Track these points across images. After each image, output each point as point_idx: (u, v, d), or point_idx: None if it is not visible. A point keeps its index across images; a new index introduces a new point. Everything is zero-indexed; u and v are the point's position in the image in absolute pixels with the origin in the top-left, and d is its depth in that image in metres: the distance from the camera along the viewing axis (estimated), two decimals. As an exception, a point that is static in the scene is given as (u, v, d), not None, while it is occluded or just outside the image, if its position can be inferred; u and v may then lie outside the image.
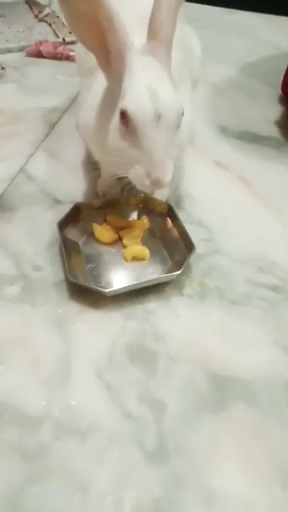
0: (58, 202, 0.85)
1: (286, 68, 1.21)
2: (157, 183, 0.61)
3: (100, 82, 0.69)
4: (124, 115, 0.61)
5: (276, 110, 1.18)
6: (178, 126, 0.63)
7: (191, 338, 0.65)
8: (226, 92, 1.25)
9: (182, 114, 0.63)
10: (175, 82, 0.67)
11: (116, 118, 0.63)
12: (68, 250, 0.72)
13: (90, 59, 0.75)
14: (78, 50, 0.92)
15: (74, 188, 0.87)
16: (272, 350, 0.64)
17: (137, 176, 0.62)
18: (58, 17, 1.53)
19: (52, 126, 1.05)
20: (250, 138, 1.07)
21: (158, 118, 0.60)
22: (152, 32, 0.63)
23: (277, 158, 1.01)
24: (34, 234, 0.78)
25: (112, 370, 0.61)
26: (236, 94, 1.24)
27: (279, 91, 1.24)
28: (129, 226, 0.78)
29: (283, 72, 1.22)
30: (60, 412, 0.56)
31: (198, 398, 0.58)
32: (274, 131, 1.10)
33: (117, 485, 0.51)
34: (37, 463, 0.52)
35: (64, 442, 0.54)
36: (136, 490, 0.50)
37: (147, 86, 0.61)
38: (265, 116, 1.15)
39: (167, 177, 0.61)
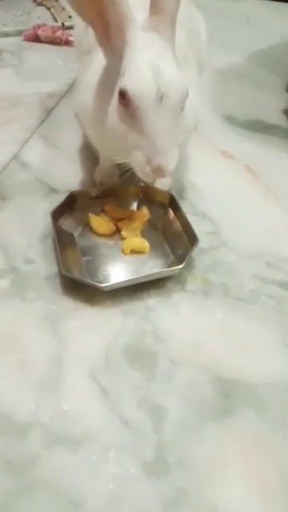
0: (52, 190, 0.80)
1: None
2: (159, 172, 0.56)
3: (99, 60, 0.64)
4: (124, 95, 0.56)
5: (283, 99, 1.13)
6: (183, 108, 0.58)
7: (194, 338, 0.60)
8: (232, 80, 1.20)
9: (187, 95, 0.58)
10: (179, 63, 0.62)
11: (115, 99, 0.58)
12: (62, 241, 0.67)
13: (89, 37, 0.70)
14: (77, 28, 0.87)
15: (70, 176, 0.82)
16: (281, 352, 0.59)
17: (137, 163, 0.57)
18: (57, 1, 1.47)
19: (49, 112, 1.00)
20: (257, 127, 1.02)
21: (161, 98, 0.55)
22: (155, 6, 0.58)
23: (285, 147, 0.96)
24: (27, 225, 0.73)
25: (108, 372, 0.56)
26: (242, 83, 1.19)
27: (286, 79, 1.20)
28: (128, 217, 0.73)
29: (291, 60, 1.17)
30: (50, 418, 0.51)
31: (202, 404, 0.54)
32: (281, 120, 1.05)
33: (112, 500, 0.46)
34: (23, 475, 0.47)
35: (54, 451, 0.49)
36: (133, 506, 0.46)
37: (150, 63, 0.56)
38: (272, 105, 1.10)
39: (170, 165, 0.56)
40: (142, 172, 0.57)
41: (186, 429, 0.51)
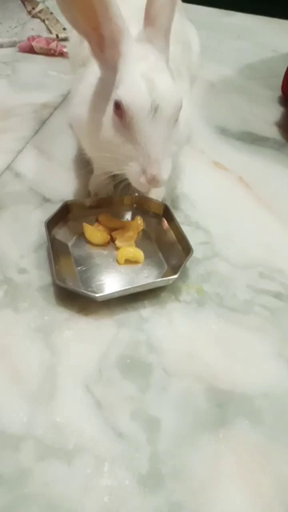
0: (46, 200, 0.80)
1: (285, 69, 1.17)
2: (153, 181, 0.56)
3: (93, 72, 0.64)
4: (118, 106, 0.56)
5: (276, 111, 1.14)
6: (177, 119, 0.59)
7: (188, 348, 0.60)
8: (224, 93, 1.21)
9: (181, 107, 0.58)
10: (173, 74, 0.63)
11: (110, 110, 0.58)
12: (56, 251, 0.67)
13: (84, 49, 0.70)
14: (72, 41, 0.88)
15: (64, 186, 0.82)
16: (276, 363, 0.59)
17: (131, 173, 0.58)
18: (51, 13, 1.48)
19: (43, 123, 1.00)
20: (250, 138, 1.03)
21: (155, 110, 0.55)
22: (149, 18, 0.58)
23: (278, 159, 0.97)
24: (20, 235, 0.73)
25: (102, 383, 0.55)
26: (235, 95, 1.21)
27: (278, 93, 1.21)
28: (122, 227, 0.73)
29: (282, 73, 1.19)
30: (43, 430, 0.50)
31: (196, 415, 0.53)
32: (274, 132, 1.06)
33: (105, 514, 0.45)
34: (15, 489, 0.46)
35: (47, 464, 0.48)
36: (127, 520, 0.45)
37: (144, 75, 0.56)
38: (265, 117, 1.11)
39: (164, 174, 0.57)
40: (137, 182, 0.58)
41: (181, 440, 0.51)
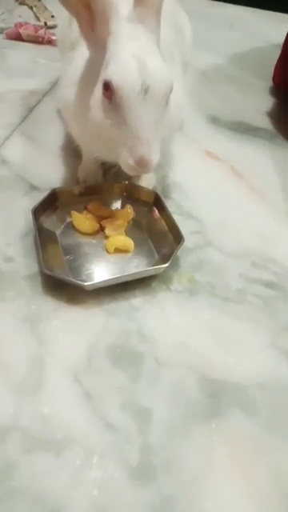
0: (34, 188, 0.78)
1: (277, 60, 1.16)
2: (142, 163, 0.54)
3: (81, 55, 0.62)
4: (108, 87, 0.54)
5: (268, 101, 1.13)
6: (167, 102, 0.57)
7: (180, 338, 0.58)
8: (216, 82, 1.20)
9: (172, 89, 0.57)
10: (164, 56, 0.61)
11: (99, 91, 0.57)
12: (44, 240, 0.65)
13: (73, 32, 0.68)
14: (60, 25, 0.86)
15: (52, 174, 0.80)
16: (269, 352, 0.58)
17: (120, 155, 0.56)
18: (39, 0, 1.45)
19: (30, 110, 0.98)
20: (241, 128, 1.01)
21: (146, 91, 0.53)
22: None
23: (269, 149, 0.96)
24: (7, 223, 0.71)
25: (91, 374, 0.53)
26: (227, 85, 1.19)
27: (270, 83, 1.20)
28: (112, 215, 0.71)
29: (273, 64, 1.18)
30: (30, 422, 0.49)
31: (188, 405, 0.52)
32: (266, 122, 1.05)
33: (95, 507, 0.43)
34: (1, 482, 0.44)
35: (34, 456, 0.46)
36: (117, 514, 0.43)
37: (135, 55, 0.54)
38: (256, 107, 1.10)
39: (153, 157, 0.55)
40: (126, 165, 0.56)
41: (173, 431, 0.49)
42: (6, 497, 0.43)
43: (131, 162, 0.54)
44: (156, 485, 0.45)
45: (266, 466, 0.47)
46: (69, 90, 0.63)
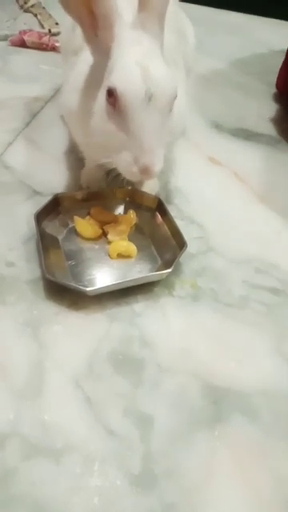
0: (36, 193, 0.77)
1: (280, 66, 1.16)
2: (145, 171, 0.54)
3: (85, 60, 0.62)
4: (111, 94, 0.54)
5: (271, 108, 1.13)
6: (171, 109, 0.57)
7: (182, 344, 0.58)
8: (219, 88, 1.20)
9: (176, 96, 0.57)
10: (168, 62, 0.61)
11: (102, 97, 0.56)
12: (46, 245, 0.65)
13: (76, 37, 0.68)
14: (64, 31, 0.86)
15: (54, 179, 0.80)
16: (273, 359, 0.57)
17: (124, 163, 0.56)
18: (43, 8, 1.46)
19: (34, 115, 0.98)
20: (244, 134, 1.01)
21: (150, 98, 0.53)
22: (143, 2, 0.56)
23: (273, 155, 0.96)
24: (9, 228, 0.71)
25: (93, 380, 0.53)
26: (230, 91, 1.19)
27: (273, 89, 1.20)
28: (114, 221, 0.71)
29: (277, 70, 1.18)
30: (30, 428, 0.48)
31: (191, 412, 0.51)
32: (269, 128, 1.05)
33: (95, 516, 0.43)
34: (0, 489, 0.44)
35: (34, 463, 0.46)
36: (118, 522, 0.43)
37: (138, 62, 0.54)
38: (260, 113, 1.10)
39: (157, 165, 0.55)
40: (129, 172, 0.56)
41: (175, 439, 0.49)
42: (5, 504, 0.43)
43: (135, 170, 0.54)
44: (158, 492, 0.45)
45: (268, 472, 0.47)
46: (72, 96, 0.63)
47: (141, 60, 0.55)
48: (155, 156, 0.54)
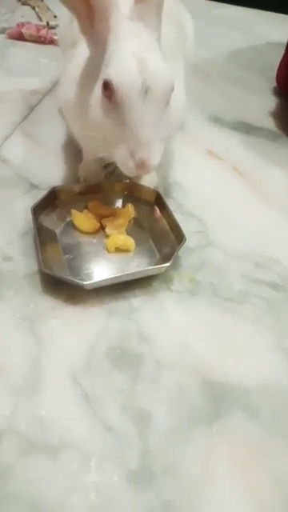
0: (34, 187, 0.76)
1: (280, 60, 1.15)
2: (142, 166, 0.54)
3: (82, 53, 0.62)
4: (107, 86, 0.53)
5: (271, 102, 1.12)
6: (168, 101, 0.56)
7: (181, 339, 0.57)
8: (219, 83, 1.19)
9: (173, 89, 0.56)
10: (165, 55, 0.60)
11: (98, 90, 0.56)
12: (43, 238, 0.64)
13: (74, 30, 0.67)
14: (62, 24, 0.85)
15: (52, 173, 0.79)
16: (273, 355, 0.57)
17: (120, 157, 0.55)
18: (42, 0, 1.45)
19: (31, 109, 0.97)
20: (244, 128, 1.00)
21: (146, 90, 0.53)
22: None
23: (272, 149, 0.95)
24: (6, 221, 0.70)
25: (90, 375, 0.52)
26: (230, 85, 1.18)
27: (273, 83, 1.19)
28: (112, 214, 0.70)
29: (276, 64, 1.17)
30: (27, 424, 0.47)
31: (190, 408, 0.50)
32: (269, 123, 1.04)
33: (93, 513, 0.42)
34: (-4, 487, 0.43)
35: (31, 460, 0.45)
36: (115, 520, 0.42)
37: (135, 54, 0.53)
38: (260, 107, 1.09)
39: (154, 159, 0.54)
40: (125, 166, 0.55)
41: (173, 435, 0.48)
42: (0, 502, 0.42)
43: (131, 164, 0.54)
44: (155, 489, 0.44)
45: (268, 469, 0.46)
46: (69, 89, 0.62)
47: (138, 52, 0.54)
48: (152, 150, 0.54)
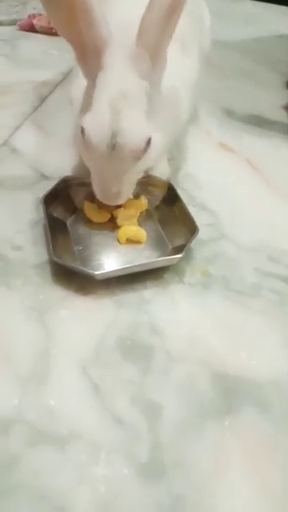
0: (44, 177, 0.76)
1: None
2: (103, 203, 0.61)
3: None
4: (82, 131, 0.55)
5: (283, 96, 1.11)
6: (139, 158, 0.56)
7: (193, 332, 0.56)
8: (231, 76, 1.18)
9: (147, 145, 0.55)
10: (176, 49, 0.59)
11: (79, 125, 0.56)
12: (53, 229, 0.63)
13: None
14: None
15: (63, 163, 0.78)
16: (284, 348, 0.55)
17: (93, 182, 0.61)
18: (53, -7, 1.44)
19: (42, 100, 0.96)
20: (257, 121, 0.99)
21: (113, 146, 0.53)
22: (138, 36, 0.53)
23: (285, 142, 0.93)
24: (16, 211, 0.69)
25: (100, 366, 0.51)
26: (242, 79, 1.17)
27: (285, 77, 1.18)
28: (124, 205, 0.68)
29: (290, 58, 1.15)
30: (36, 414, 0.47)
31: (201, 401, 0.49)
32: (282, 116, 1.02)
33: (102, 505, 0.41)
34: (3, 477, 0.42)
35: (39, 451, 0.44)
36: (125, 513, 0.41)
37: (112, 104, 0.53)
38: (272, 101, 1.08)
39: (114, 202, 0.60)
40: (96, 193, 0.61)
41: (184, 428, 0.47)
42: (7, 493, 0.41)
43: (99, 195, 0.60)
44: (166, 483, 0.43)
45: (280, 464, 0.45)
46: (78, 95, 0.62)
47: (115, 102, 0.53)
48: (110, 196, 0.59)
